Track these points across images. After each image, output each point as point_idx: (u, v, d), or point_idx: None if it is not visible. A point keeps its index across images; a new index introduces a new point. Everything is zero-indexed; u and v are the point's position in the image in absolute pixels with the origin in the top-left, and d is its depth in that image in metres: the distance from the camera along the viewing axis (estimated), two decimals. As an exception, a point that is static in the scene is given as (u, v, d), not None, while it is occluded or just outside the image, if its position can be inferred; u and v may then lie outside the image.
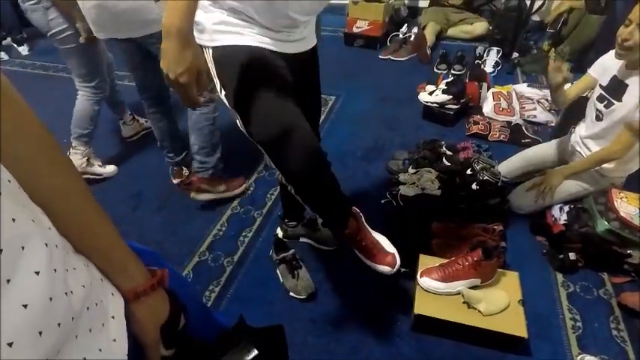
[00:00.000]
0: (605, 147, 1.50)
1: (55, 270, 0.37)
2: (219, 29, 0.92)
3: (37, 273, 0.35)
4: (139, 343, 0.50)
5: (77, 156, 2.07)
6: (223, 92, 0.98)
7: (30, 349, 0.33)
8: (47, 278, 0.36)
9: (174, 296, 0.55)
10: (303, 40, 1.08)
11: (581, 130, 1.65)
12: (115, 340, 0.45)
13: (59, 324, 0.36)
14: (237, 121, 1.00)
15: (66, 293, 0.38)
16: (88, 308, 0.41)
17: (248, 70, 0.92)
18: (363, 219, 1.22)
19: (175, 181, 1.99)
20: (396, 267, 1.18)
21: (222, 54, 0.94)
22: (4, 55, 3.56)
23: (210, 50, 0.94)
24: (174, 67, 0.76)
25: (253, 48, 0.94)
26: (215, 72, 0.97)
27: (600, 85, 1.53)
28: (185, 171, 1.99)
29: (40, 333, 0.34)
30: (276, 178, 1.13)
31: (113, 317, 0.46)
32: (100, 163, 2.14)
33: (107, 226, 0.48)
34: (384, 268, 1.18)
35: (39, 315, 0.34)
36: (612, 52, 1.47)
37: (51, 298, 0.36)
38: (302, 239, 1.65)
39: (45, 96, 2.94)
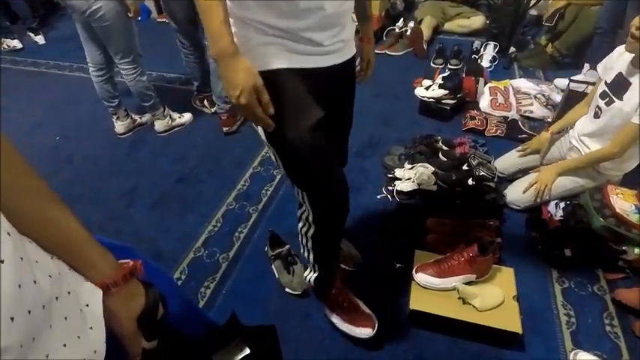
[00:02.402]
0: (603, 147, 1.49)
1: (22, 259, 0.38)
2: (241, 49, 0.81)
3: (3, 262, 0.35)
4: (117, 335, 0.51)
5: (161, 120, 2.33)
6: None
7: (4, 333, 0.34)
8: (14, 266, 0.36)
9: (151, 287, 0.55)
10: (339, 49, 0.93)
11: (579, 126, 1.64)
12: (91, 328, 0.46)
13: (29, 311, 0.37)
14: (271, 155, 0.98)
15: (34, 281, 0.39)
16: (57, 298, 0.42)
17: (276, 104, 0.83)
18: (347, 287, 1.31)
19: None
20: (376, 329, 1.24)
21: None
22: (17, 44, 3.52)
23: None
24: (231, 92, 0.77)
25: (278, 74, 0.85)
26: None
27: (605, 82, 1.52)
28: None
29: (12, 319, 0.35)
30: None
31: (87, 305, 0.46)
32: (179, 114, 2.41)
33: (66, 220, 0.48)
34: (365, 330, 1.25)
35: (9, 301, 0.35)
36: (620, 48, 1.45)
37: (20, 285, 0.36)
38: None
39: (37, 94, 2.91)
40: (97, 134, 2.40)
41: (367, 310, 1.29)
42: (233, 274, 1.57)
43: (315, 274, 1.25)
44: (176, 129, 2.40)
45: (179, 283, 1.54)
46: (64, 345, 0.41)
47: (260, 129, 0.92)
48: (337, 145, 1.19)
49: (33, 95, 2.87)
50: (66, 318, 0.43)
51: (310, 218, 1.07)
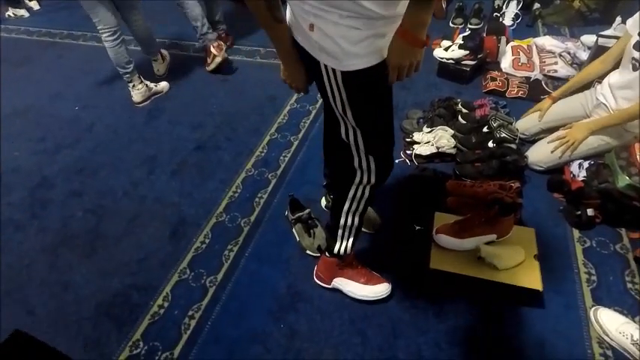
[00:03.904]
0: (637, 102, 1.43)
1: None
2: (344, 51, 0.86)
3: None
4: None
5: (138, 91, 2.37)
6: (349, 112, 0.98)
7: None
8: None
9: None
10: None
11: (612, 78, 1.58)
12: None
13: None
14: (350, 132, 1.04)
15: None
16: None
17: (370, 95, 0.96)
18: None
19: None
20: (390, 286, 1.33)
21: (349, 78, 0.91)
22: (24, 13, 3.52)
23: (340, 74, 0.91)
24: (285, 77, 1.10)
25: (374, 69, 0.89)
26: (343, 93, 0.95)
27: (639, 33, 1.45)
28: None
29: None
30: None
31: None
32: (154, 84, 2.47)
33: None
34: (384, 288, 1.33)
35: None
36: None
37: None
38: None
39: (53, 64, 2.92)
40: (115, 104, 2.42)
41: (375, 273, 1.37)
42: (255, 237, 1.61)
43: (352, 240, 1.27)
44: (155, 97, 2.45)
45: (203, 247, 1.59)
46: None
47: (350, 114, 0.99)
48: None
49: (49, 65, 2.89)
50: None
51: (370, 182, 1.14)
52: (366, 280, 1.34)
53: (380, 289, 1.32)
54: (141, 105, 2.38)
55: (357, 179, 1.14)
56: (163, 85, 2.49)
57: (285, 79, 1.10)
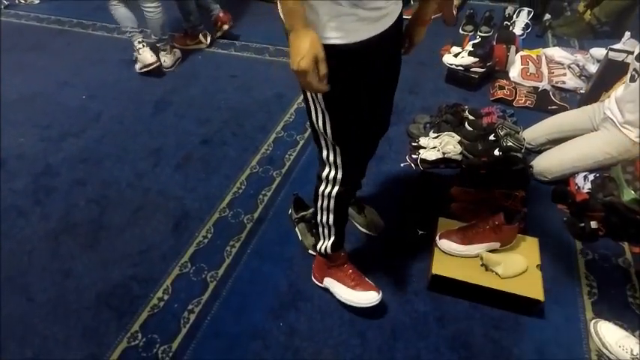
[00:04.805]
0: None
1: None
2: (322, 23, 0.85)
3: None
4: None
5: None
6: (321, 117, 0.97)
7: None
8: None
9: None
10: (393, 10, 0.93)
11: (618, 92, 1.59)
12: None
13: None
14: (320, 118, 0.99)
15: None
16: None
17: (343, 77, 0.91)
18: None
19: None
20: (380, 295, 1.26)
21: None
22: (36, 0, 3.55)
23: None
24: (293, 57, 0.82)
25: (345, 49, 0.87)
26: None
27: None
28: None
29: None
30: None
31: None
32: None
33: None
34: (373, 295, 1.25)
35: None
36: None
37: None
38: None
39: (62, 52, 2.92)
40: (122, 94, 2.42)
41: (369, 281, 1.30)
42: (257, 234, 1.61)
43: (332, 239, 1.25)
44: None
45: (205, 241, 1.59)
46: None
47: (315, 96, 0.95)
48: (384, 105, 1.18)
49: (58, 53, 2.88)
50: None
51: (338, 177, 1.08)
52: (355, 285, 1.28)
53: (366, 297, 1.25)
54: (170, 69, 2.60)
55: (325, 174, 1.10)
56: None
57: (307, 66, 0.82)
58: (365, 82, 0.96)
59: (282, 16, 0.87)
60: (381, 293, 1.26)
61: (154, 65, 2.48)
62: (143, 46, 2.45)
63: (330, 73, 0.85)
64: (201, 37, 2.75)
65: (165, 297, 1.42)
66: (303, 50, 0.81)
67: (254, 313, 1.36)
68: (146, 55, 2.45)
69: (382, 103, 1.15)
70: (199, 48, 2.78)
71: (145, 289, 1.45)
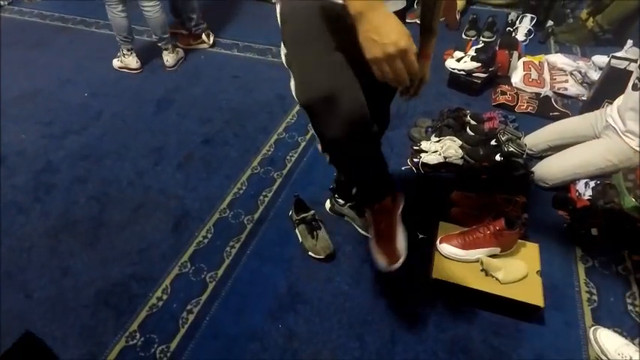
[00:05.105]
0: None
1: None
2: None
3: None
4: None
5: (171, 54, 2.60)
6: (284, 51, 0.90)
7: None
8: None
9: None
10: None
11: (620, 100, 1.59)
12: None
13: None
14: (291, 83, 0.90)
15: None
16: None
17: (306, 28, 0.83)
18: (400, 209, 1.12)
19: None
20: (392, 268, 1.08)
21: (285, 10, 0.86)
22: None
23: (278, 6, 0.87)
24: (387, 36, 0.68)
25: (315, 4, 0.82)
26: (281, 29, 0.88)
27: None
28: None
29: None
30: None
31: None
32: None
33: None
34: (381, 262, 1.10)
35: None
36: None
37: None
38: (346, 218, 1.62)
39: (65, 49, 2.92)
40: (124, 92, 2.42)
41: (400, 247, 1.10)
42: (257, 235, 1.61)
43: (358, 193, 1.16)
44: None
45: (205, 241, 1.59)
46: None
47: (284, 56, 0.88)
48: (382, 105, 1.15)
49: (60, 50, 2.89)
50: None
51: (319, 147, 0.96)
52: (376, 243, 1.12)
53: (379, 260, 1.11)
54: (172, 69, 2.61)
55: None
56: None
57: (409, 43, 0.70)
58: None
59: (278, 15, 0.84)
60: (395, 266, 1.08)
61: (136, 71, 2.56)
62: (131, 53, 2.52)
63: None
64: (204, 36, 2.76)
65: (164, 297, 1.42)
66: (398, 26, 0.68)
67: (253, 314, 1.36)
68: (131, 61, 2.55)
69: (381, 98, 1.09)
70: (202, 48, 2.79)
71: (144, 289, 1.44)
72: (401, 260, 1.08)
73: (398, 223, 1.12)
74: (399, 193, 1.12)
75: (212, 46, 2.80)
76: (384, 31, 0.68)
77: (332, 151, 0.97)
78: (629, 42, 2.11)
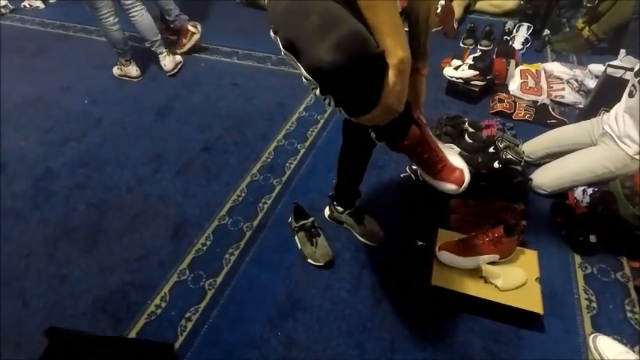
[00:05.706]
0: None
1: None
2: None
3: None
4: None
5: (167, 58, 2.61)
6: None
7: None
8: None
9: None
10: None
11: (617, 107, 1.61)
12: None
13: None
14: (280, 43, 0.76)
15: None
16: None
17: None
18: (428, 128, 1.04)
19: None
20: (464, 185, 0.99)
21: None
22: (40, 4, 3.60)
23: None
24: (401, 96, 0.77)
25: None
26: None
27: None
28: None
29: None
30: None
31: None
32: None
33: None
34: (450, 187, 1.00)
35: None
36: None
37: None
38: (345, 226, 1.63)
39: (66, 56, 2.94)
40: (124, 100, 2.44)
41: (456, 163, 1.01)
42: (257, 242, 1.61)
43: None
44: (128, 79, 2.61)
45: (204, 248, 1.59)
46: None
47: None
48: None
49: (62, 58, 2.90)
50: None
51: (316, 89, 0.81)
52: (432, 173, 1.03)
53: (446, 188, 1.01)
54: (171, 74, 2.62)
55: None
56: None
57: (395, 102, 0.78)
58: None
59: (271, 16, 0.75)
60: (463, 185, 0.99)
61: (136, 79, 2.58)
62: (129, 62, 2.55)
63: None
64: (190, 27, 2.73)
65: (163, 304, 1.41)
66: (405, 94, 0.77)
67: (252, 321, 1.35)
68: (130, 69, 2.57)
69: None
70: (199, 48, 2.80)
71: (143, 296, 1.44)
72: (466, 174, 1.00)
73: (437, 142, 1.05)
74: (417, 115, 1.04)
75: (201, 39, 2.80)
76: (402, 99, 0.77)
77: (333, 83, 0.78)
78: (622, 51, 2.14)
